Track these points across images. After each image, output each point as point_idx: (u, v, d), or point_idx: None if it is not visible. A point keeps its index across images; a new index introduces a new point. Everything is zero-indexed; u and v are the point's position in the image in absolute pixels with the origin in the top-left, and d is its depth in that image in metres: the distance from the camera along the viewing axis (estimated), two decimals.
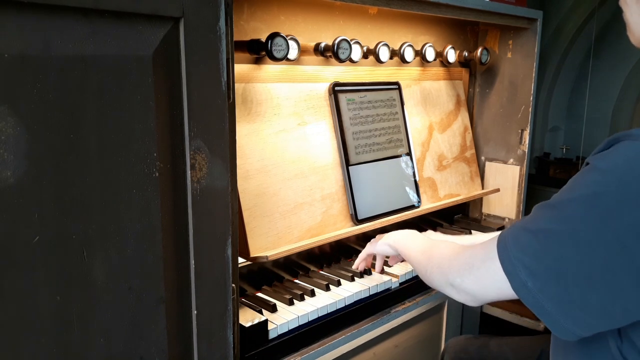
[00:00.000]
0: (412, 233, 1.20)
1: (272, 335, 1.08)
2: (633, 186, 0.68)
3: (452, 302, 1.74)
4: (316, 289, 1.24)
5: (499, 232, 0.85)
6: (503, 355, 1.35)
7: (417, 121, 1.60)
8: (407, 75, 1.58)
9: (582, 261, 0.71)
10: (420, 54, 1.55)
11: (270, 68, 1.24)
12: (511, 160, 1.77)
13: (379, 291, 1.29)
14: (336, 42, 1.28)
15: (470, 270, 0.86)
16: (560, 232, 0.73)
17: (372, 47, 1.42)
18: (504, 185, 1.78)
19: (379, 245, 1.25)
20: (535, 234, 0.77)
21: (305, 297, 1.21)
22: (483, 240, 0.89)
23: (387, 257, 1.34)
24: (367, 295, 1.26)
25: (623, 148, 0.72)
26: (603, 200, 0.70)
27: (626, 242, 0.68)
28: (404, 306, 1.31)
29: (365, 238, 1.50)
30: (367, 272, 1.34)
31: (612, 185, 0.70)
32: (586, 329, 0.74)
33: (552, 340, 0.94)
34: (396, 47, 1.49)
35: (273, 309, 1.14)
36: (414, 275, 1.36)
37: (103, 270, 0.72)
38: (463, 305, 1.82)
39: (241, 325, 1.01)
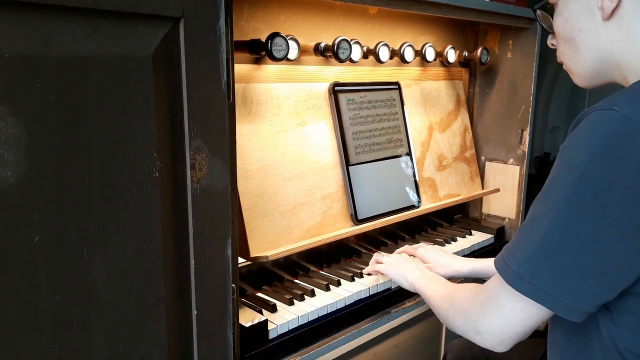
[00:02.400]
0: (433, 275, 1.17)
1: (272, 335, 1.08)
2: (597, 146, 0.70)
3: None
4: (316, 289, 1.24)
5: None
6: (507, 355, 1.34)
7: (417, 121, 1.60)
8: (407, 75, 1.58)
9: (568, 228, 0.72)
10: (420, 54, 1.55)
11: (270, 68, 1.24)
12: (511, 160, 1.77)
13: (379, 291, 1.29)
14: (336, 42, 1.28)
15: (490, 302, 0.83)
16: (543, 213, 0.75)
17: (372, 47, 1.42)
18: (504, 185, 1.78)
19: (394, 275, 1.23)
20: (521, 230, 0.80)
21: (305, 297, 1.21)
22: None
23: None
24: (367, 295, 1.26)
25: (587, 120, 0.74)
26: (573, 168, 0.72)
27: (601, 198, 0.69)
28: (404, 306, 1.31)
29: (365, 238, 1.50)
30: (374, 272, 1.33)
31: (581, 152, 0.72)
32: (587, 301, 0.74)
33: (549, 338, 0.94)
34: (396, 47, 1.49)
35: (273, 309, 1.14)
36: None
37: (103, 270, 0.72)
38: None
39: (241, 325, 1.01)
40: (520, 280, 0.76)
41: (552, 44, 0.95)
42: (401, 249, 1.41)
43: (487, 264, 1.31)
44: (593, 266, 0.72)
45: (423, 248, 1.37)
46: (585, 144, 0.72)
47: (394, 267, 1.24)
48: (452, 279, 1.30)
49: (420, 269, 1.20)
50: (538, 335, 1.98)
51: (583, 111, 0.76)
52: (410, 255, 1.41)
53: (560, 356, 0.90)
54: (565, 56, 0.90)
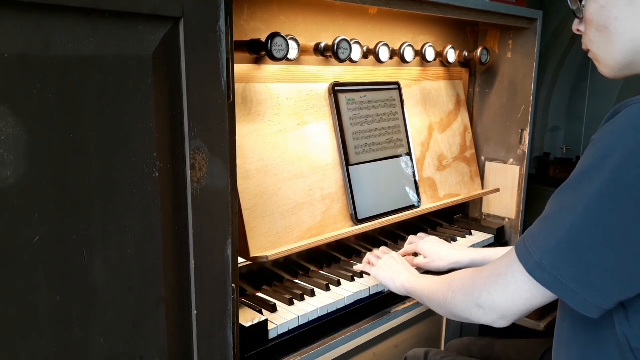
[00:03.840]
0: (423, 275, 1.16)
1: (272, 335, 1.08)
2: (637, 141, 0.68)
3: None
4: (316, 289, 1.24)
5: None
6: (507, 356, 1.34)
7: (417, 121, 1.60)
8: (407, 75, 1.58)
9: (597, 223, 0.71)
10: (420, 54, 1.55)
11: (270, 68, 1.24)
12: (511, 160, 1.77)
13: (379, 291, 1.29)
14: (336, 42, 1.28)
15: (496, 279, 0.83)
16: (572, 204, 0.74)
17: (372, 47, 1.42)
18: (504, 185, 1.78)
19: (383, 279, 1.22)
20: (546, 218, 0.78)
21: (305, 297, 1.21)
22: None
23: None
24: (367, 295, 1.26)
25: (625, 112, 0.72)
26: (609, 162, 0.70)
27: (636, 195, 0.68)
28: (404, 306, 1.31)
29: (365, 238, 1.50)
30: (366, 272, 1.33)
31: (618, 145, 0.70)
32: (606, 298, 0.73)
33: (556, 332, 0.94)
34: (396, 47, 1.49)
35: (273, 309, 1.14)
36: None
37: (103, 270, 0.72)
38: None
39: (241, 325, 1.01)
40: (541, 270, 0.75)
41: (578, 30, 0.91)
42: (402, 250, 1.42)
43: (486, 255, 1.31)
44: (618, 264, 0.71)
45: (422, 241, 1.38)
46: (623, 138, 0.70)
47: (383, 270, 1.23)
48: (452, 270, 1.30)
49: (409, 270, 1.20)
50: (538, 336, 1.98)
51: (621, 103, 0.74)
52: (411, 255, 1.42)
53: (566, 351, 0.89)
54: (594, 44, 0.87)
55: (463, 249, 1.35)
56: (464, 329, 1.92)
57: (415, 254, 1.41)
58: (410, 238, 1.45)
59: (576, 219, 0.72)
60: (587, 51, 0.91)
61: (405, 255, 1.40)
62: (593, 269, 0.72)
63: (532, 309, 0.82)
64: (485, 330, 2.03)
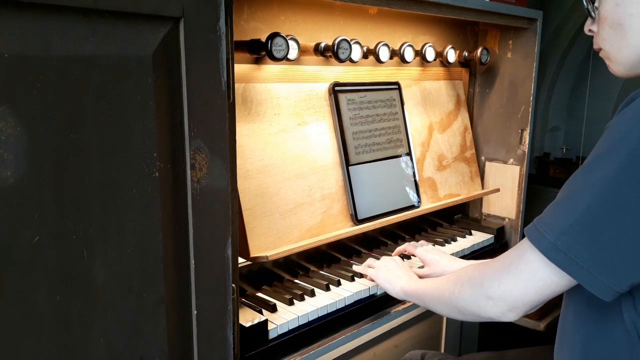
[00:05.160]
0: (422, 278, 1.15)
1: (272, 335, 1.08)
2: None
3: None
4: (316, 289, 1.24)
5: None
6: None
7: (417, 121, 1.60)
8: (407, 75, 1.58)
9: (613, 204, 0.71)
10: (420, 54, 1.55)
11: (270, 68, 1.24)
12: (511, 160, 1.77)
13: (379, 291, 1.29)
14: (336, 42, 1.28)
15: (507, 269, 0.83)
16: (587, 187, 0.74)
17: (372, 47, 1.42)
18: (504, 185, 1.78)
19: (382, 282, 1.21)
20: (560, 201, 0.78)
21: (305, 297, 1.21)
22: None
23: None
24: (367, 295, 1.26)
25: None
26: (626, 145, 0.71)
27: None
28: (404, 306, 1.31)
29: (365, 238, 1.50)
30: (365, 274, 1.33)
31: (636, 129, 0.71)
32: (621, 279, 0.73)
33: (560, 324, 0.94)
34: (396, 47, 1.49)
35: (273, 309, 1.14)
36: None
37: (103, 270, 0.72)
38: None
39: (241, 325, 1.01)
40: (556, 251, 0.75)
41: (590, 30, 0.92)
42: (401, 247, 1.41)
43: None
44: (634, 245, 0.71)
45: (423, 248, 1.35)
46: (638, 122, 0.71)
47: (382, 272, 1.23)
48: None
49: (409, 274, 1.19)
50: (538, 336, 1.97)
51: (637, 90, 0.75)
52: (410, 255, 1.42)
53: (570, 342, 0.89)
54: (608, 42, 0.88)
55: (464, 261, 1.34)
56: (463, 329, 1.92)
57: (409, 257, 1.40)
58: (406, 245, 1.43)
59: (592, 200, 0.73)
60: (599, 50, 0.91)
61: (399, 255, 1.40)
62: (608, 250, 0.72)
63: (543, 299, 0.81)
64: (483, 330, 2.04)
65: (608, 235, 0.72)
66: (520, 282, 0.81)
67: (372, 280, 1.26)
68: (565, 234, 0.75)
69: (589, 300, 0.84)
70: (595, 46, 0.92)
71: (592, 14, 0.91)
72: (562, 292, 0.81)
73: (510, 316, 0.84)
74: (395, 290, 1.17)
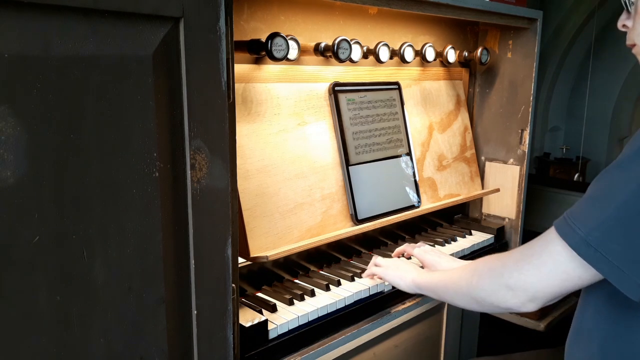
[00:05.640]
0: (432, 271, 1.14)
1: (272, 335, 1.08)
2: None
3: None
4: (316, 289, 1.24)
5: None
6: None
7: (417, 121, 1.60)
8: (407, 75, 1.58)
9: None
10: (420, 54, 1.55)
11: (270, 68, 1.24)
12: (511, 160, 1.77)
13: (379, 291, 1.29)
14: (336, 42, 1.28)
15: (530, 259, 0.81)
16: (622, 182, 0.73)
17: (372, 47, 1.42)
18: (504, 185, 1.78)
19: (392, 278, 1.20)
20: (592, 197, 0.77)
21: (305, 297, 1.21)
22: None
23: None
24: (367, 295, 1.26)
25: None
26: None
27: None
28: (404, 306, 1.31)
29: (365, 238, 1.50)
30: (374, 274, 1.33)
31: None
32: None
33: (575, 321, 0.93)
34: (396, 47, 1.49)
35: (273, 309, 1.14)
36: None
37: (103, 270, 0.72)
38: None
39: (241, 325, 1.01)
40: (586, 246, 0.74)
41: (624, 25, 0.91)
42: (400, 248, 1.41)
43: None
44: None
45: (421, 249, 1.34)
46: None
47: (391, 269, 1.23)
48: None
49: (417, 268, 1.19)
50: (539, 336, 1.97)
51: None
52: (408, 257, 1.41)
53: (587, 341, 0.88)
54: None
55: (463, 261, 1.34)
56: (463, 329, 1.92)
57: (408, 258, 1.40)
58: (405, 246, 1.42)
59: (628, 196, 0.72)
60: (632, 47, 0.89)
61: (398, 256, 1.39)
62: None
63: (564, 292, 0.80)
64: (483, 330, 2.03)
65: None
66: (543, 273, 0.80)
67: (380, 279, 1.26)
68: (597, 229, 0.73)
69: (611, 298, 0.83)
70: (628, 42, 0.90)
71: (629, 8, 0.88)
72: (584, 286, 0.80)
73: (529, 307, 0.83)
74: (407, 284, 1.17)
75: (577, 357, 0.90)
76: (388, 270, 1.23)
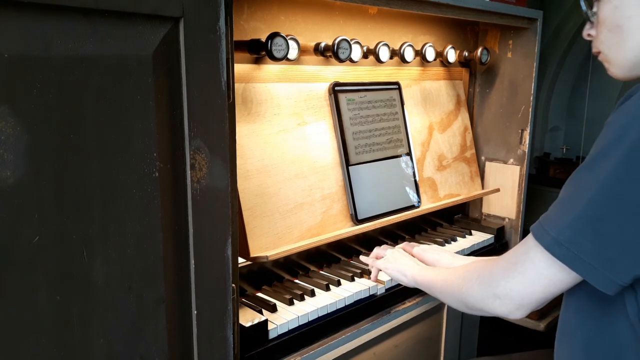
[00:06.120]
0: (433, 267, 1.16)
1: (272, 335, 1.08)
2: None
3: None
4: (316, 289, 1.24)
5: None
6: None
7: (417, 121, 1.60)
8: (407, 75, 1.58)
9: (614, 197, 0.72)
10: (420, 54, 1.55)
11: (270, 68, 1.24)
12: (511, 160, 1.77)
13: (378, 291, 1.29)
14: (336, 42, 1.28)
15: (514, 267, 0.84)
16: (588, 181, 0.75)
17: (372, 47, 1.42)
18: (504, 185, 1.78)
19: (393, 272, 1.21)
20: (563, 199, 0.79)
21: (305, 297, 1.21)
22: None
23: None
24: (367, 295, 1.26)
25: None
26: (625, 139, 0.72)
27: None
28: (404, 306, 1.31)
29: (365, 238, 1.50)
30: (366, 272, 1.33)
31: (635, 123, 0.72)
32: (623, 273, 0.74)
33: (560, 323, 0.94)
34: (396, 47, 1.49)
35: (273, 309, 1.14)
36: None
37: (103, 270, 0.72)
38: None
39: (241, 325, 1.01)
40: (558, 246, 0.76)
41: (589, 35, 0.94)
42: (399, 246, 1.41)
43: None
44: (635, 238, 0.72)
45: (420, 248, 1.34)
46: (638, 117, 0.72)
47: (392, 263, 1.23)
48: None
49: (419, 263, 1.20)
50: (539, 336, 1.97)
51: (635, 86, 0.77)
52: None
53: (571, 339, 0.90)
54: (606, 45, 0.89)
55: (464, 257, 1.34)
56: (463, 329, 1.92)
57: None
58: (404, 245, 1.42)
59: (594, 194, 0.74)
60: (597, 54, 0.93)
61: None
62: (611, 243, 0.73)
63: (550, 297, 0.82)
64: (483, 331, 2.03)
65: (610, 228, 0.73)
66: (527, 280, 0.82)
67: (378, 281, 1.27)
68: (567, 228, 0.76)
69: (591, 296, 0.85)
70: (594, 50, 0.93)
71: (591, 18, 0.92)
72: (567, 288, 0.82)
73: (517, 314, 0.86)
74: (407, 279, 1.18)
75: (564, 356, 0.92)
76: (388, 264, 1.24)
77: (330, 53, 1.30)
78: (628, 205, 0.71)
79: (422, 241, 1.57)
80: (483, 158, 1.84)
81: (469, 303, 0.93)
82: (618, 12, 0.85)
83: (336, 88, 1.36)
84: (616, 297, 0.80)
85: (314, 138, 1.31)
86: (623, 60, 0.87)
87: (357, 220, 1.36)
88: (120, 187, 0.71)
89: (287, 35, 1.17)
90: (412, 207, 1.51)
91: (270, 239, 1.19)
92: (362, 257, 1.35)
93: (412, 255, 1.37)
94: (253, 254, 1.14)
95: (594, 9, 0.91)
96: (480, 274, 0.91)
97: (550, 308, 2.10)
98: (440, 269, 1.10)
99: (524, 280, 0.82)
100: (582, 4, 0.94)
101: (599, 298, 0.83)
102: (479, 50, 1.69)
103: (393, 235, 1.59)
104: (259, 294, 1.23)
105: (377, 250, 1.32)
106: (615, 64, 0.89)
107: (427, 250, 1.33)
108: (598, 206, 0.73)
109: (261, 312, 1.10)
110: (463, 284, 0.94)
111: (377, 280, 1.30)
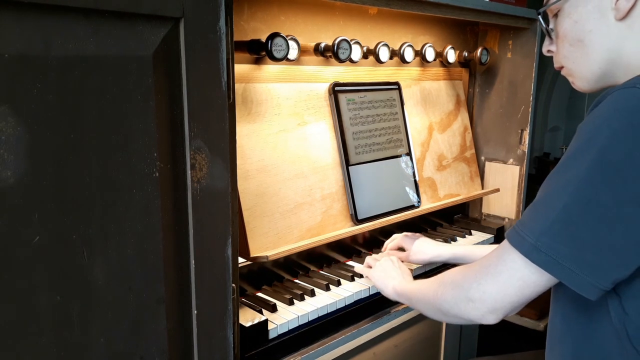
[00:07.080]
0: (414, 280, 1.16)
1: (272, 335, 1.08)
2: (620, 122, 0.71)
3: None
4: (316, 289, 1.24)
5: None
6: None
7: (417, 121, 1.60)
8: (407, 75, 1.58)
9: (588, 201, 0.72)
10: (420, 54, 1.55)
11: (270, 68, 1.24)
12: (511, 160, 1.77)
13: (379, 291, 1.29)
14: (336, 42, 1.28)
15: (487, 270, 0.84)
16: (561, 186, 0.75)
17: (372, 47, 1.42)
18: (503, 185, 1.78)
19: (377, 282, 1.21)
20: (537, 204, 0.80)
21: (305, 297, 1.21)
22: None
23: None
24: (367, 295, 1.26)
25: (609, 98, 0.75)
26: (596, 143, 0.72)
27: (623, 173, 0.70)
28: (404, 306, 1.31)
29: (365, 238, 1.50)
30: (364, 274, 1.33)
31: (603, 128, 0.72)
32: (603, 276, 0.73)
33: (549, 328, 0.94)
34: (396, 47, 1.49)
35: (273, 308, 1.14)
36: (414, 275, 1.36)
37: (103, 270, 0.72)
38: None
39: (241, 325, 1.01)
40: (537, 252, 0.76)
41: (549, 51, 0.96)
42: (399, 235, 1.42)
43: (468, 251, 1.31)
44: (611, 240, 0.72)
45: (402, 234, 1.37)
46: (608, 120, 0.73)
47: (377, 272, 1.23)
48: (432, 263, 1.34)
49: (403, 275, 1.19)
50: (539, 336, 1.97)
51: (604, 92, 0.77)
52: (399, 249, 1.41)
53: (559, 345, 0.90)
54: (569, 59, 0.90)
55: (445, 244, 1.35)
56: (463, 329, 1.92)
57: (402, 249, 1.41)
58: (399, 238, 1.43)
59: (568, 199, 0.74)
60: (560, 69, 0.94)
61: (396, 248, 1.41)
62: (588, 247, 0.73)
63: (524, 300, 0.82)
64: (483, 330, 2.04)
65: (586, 232, 0.73)
66: (500, 282, 0.82)
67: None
68: (544, 234, 0.75)
69: (576, 302, 0.85)
70: (556, 65, 0.94)
71: (551, 35, 0.93)
72: (542, 291, 0.81)
73: (490, 318, 0.85)
74: (387, 291, 1.18)
75: None
76: (374, 273, 1.23)
77: (330, 53, 1.30)
78: (601, 208, 0.71)
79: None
80: (483, 158, 1.84)
81: (443, 308, 0.92)
82: (578, 27, 0.86)
83: (336, 88, 1.36)
84: (600, 304, 0.80)
85: (314, 138, 1.31)
86: (588, 73, 0.88)
87: (357, 220, 1.36)
88: (120, 187, 0.71)
89: (287, 36, 1.17)
90: (412, 207, 1.51)
91: (270, 238, 1.19)
92: (356, 268, 1.34)
93: (403, 248, 1.38)
94: (253, 253, 1.14)
95: (551, 26, 0.92)
96: (454, 279, 0.90)
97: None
98: (420, 280, 1.09)
99: (496, 283, 0.82)
100: (540, 20, 0.95)
101: (584, 305, 0.83)
102: (479, 50, 1.69)
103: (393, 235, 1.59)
104: (259, 294, 1.23)
105: (368, 260, 1.32)
106: (580, 77, 0.90)
107: (409, 236, 1.38)
108: (573, 210, 0.73)
109: (261, 312, 1.10)
110: (438, 289, 0.94)
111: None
